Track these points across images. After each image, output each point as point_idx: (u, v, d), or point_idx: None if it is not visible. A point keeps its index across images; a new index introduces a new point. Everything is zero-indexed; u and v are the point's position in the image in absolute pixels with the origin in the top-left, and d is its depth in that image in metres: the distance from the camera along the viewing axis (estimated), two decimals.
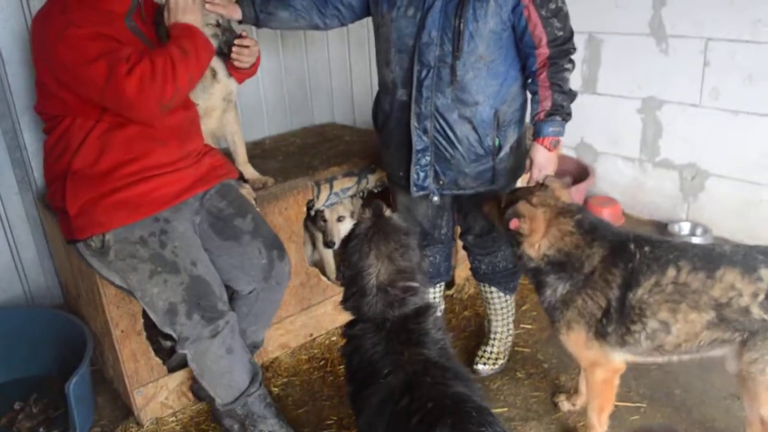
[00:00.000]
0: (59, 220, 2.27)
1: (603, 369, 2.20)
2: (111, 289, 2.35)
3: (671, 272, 1.99)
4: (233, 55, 2.45)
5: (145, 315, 2.39)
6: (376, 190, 3.17)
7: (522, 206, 2.16)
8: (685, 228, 4.07)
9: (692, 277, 1.97)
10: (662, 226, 4.14)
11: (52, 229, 2.76)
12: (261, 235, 2.40)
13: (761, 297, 1.90)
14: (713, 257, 1.98)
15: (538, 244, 2.16)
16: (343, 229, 3.11)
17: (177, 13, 2.19)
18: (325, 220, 3.15)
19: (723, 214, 3.97)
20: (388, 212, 1.93)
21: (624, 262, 2.06)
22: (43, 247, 3.05)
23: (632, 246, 2.07)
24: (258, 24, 2.59)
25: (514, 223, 2.15)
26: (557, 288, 2.18)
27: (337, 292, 2.96)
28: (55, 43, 2.00)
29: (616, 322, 2.07)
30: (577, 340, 2.19)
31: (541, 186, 2.26)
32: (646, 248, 2.05)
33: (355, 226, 1.92)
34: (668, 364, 2.29)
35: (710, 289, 1.94)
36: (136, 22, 2.23)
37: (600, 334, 2.12)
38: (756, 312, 1.91)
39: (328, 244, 3.17)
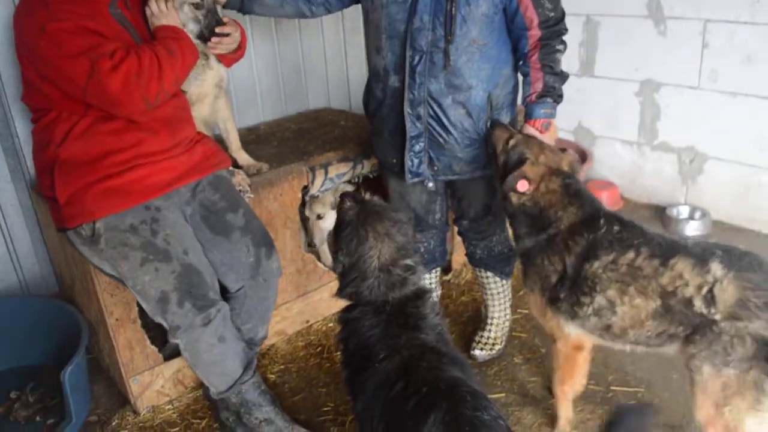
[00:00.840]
0: (50, 208, 2.25)
1: (563, 342, 2.23)
2: (104, 277, 2.33)
3: (630, 254, 1.98)
4: (211, 43, 2.42)
5: (139, 303, 2.38)
6: (371, 175, 3.15)
7: (529, 170, 2.18)
8: (683, 211, 4.06)
9: (647, 263, 1.95)
10: (661, 210, 4.12)
11: (46, 218, 2.74)
12: (251, 231, 2.38)
13: (705, 290, 1.85)
14: (674, 247, 1.96)
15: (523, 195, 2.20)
16: (326, 225, 3.11)
17: (157, 19, 2.23)
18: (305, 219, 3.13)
19: (722, 198, 3.95)
20: (368, 196, 1.94)
21: (589, 232, 2.07)
22: (37, 236, 3.03)
23: (602, 221, 2.08)
24: (243, 9, 2.55)
25: (522, 186, 2.17)
26: (524, 240, 2.23)
27: (334, 278, 2.95)
28: (36, 38, 1.97)
29: (568, 289, 2.09)
30: (535, 303, 2.25)
31: (545, 148, 2.26)
32: (615, 227, 2.06)
33: (342, 215, 1.91)
34: None
35: (660, 276, 1.92)
36: (121, 8, 2.19)
37: (552, 300, 2.15)
38: (698, 305, 1.86)
39: (310, 244, 3.16)
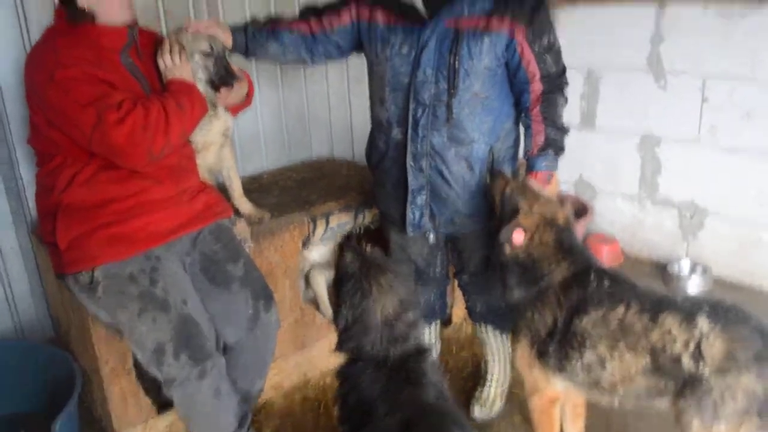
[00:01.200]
0: (50, 253, 2.24)
1: (539, 395, 2.22)
2: (101, 325, 2.30)
3: (620, 310, 1.99)
4: (221, 95, 2.45)
5: (134, 353, 2.34)
6: (372, 226, 3.14)
7: (524, 219, 2.19)
8: (684, 267, 4.03)
9: (637, 319, 1.95)
10: (662, 266, 4.10)
11: (45, 262, 2.73)
12: (250, 283, 2.36)
13: (692, 346, 1.84)
14: (663, 303, 1.96)
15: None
16: (311, 257, 3.07)
17: (170, 72, 2.26)
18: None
19: (723, 254, 3.93)
20: (368, 249, 1.93)
21: (580, 288, 2.08)
22: (36, 280, 3.01)
23: (593, 276, 2.09)
24: (247, 53, 2.58)
25: (518, 237, 2.18)
26: (514, 292, 2.22)
27: (333, 331, 2.92)
28: (45, 85, 1.99)
29: (557, 344, 2.09)
30: (522, 355, 2.23)
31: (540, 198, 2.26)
32: (606, 282, 2.07)
33: (344, 268, 1.90)
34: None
35: (650, 332, 1.92)
36: (132, 58, 2.22)
37: (541, 353, 2.14)
38: (686, 361, 1.85)
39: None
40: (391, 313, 1.82)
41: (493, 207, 2.37)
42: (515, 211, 2.21)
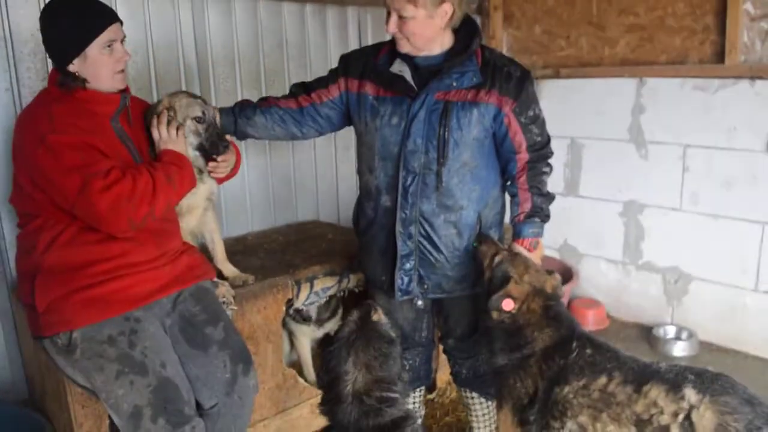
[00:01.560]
0: (28, 315, 2.21)
1: None
2: (77, 387, 2.25)
3: (602, 380, 1.97)
4: (210, 167, 2.49)
5: (110, 416, 2.29)
6: (357, 290, 3.14)
7: (514, 289, 2.20)
8: (670, 332, 4.04)
9: (620, 389, 1.93)
10: (647, 329, 4.10)
11: (23, 323, 2.69)
12: (229, 346, 2.32)
13: (681, 417, 1.81)
14: (647, 373, 1.94)
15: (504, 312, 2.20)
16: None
17: (164, 143, 2.30)
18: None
19: (708, 318, 3.95)
20: (376, 316, 1.91)
21: (561, 356, 2.07)
22: (13, 340, 2.95)
23: (575, 344, 2.08)
24: (236, 131, 2.60)
25: (507, 306, 2.17)
26: (498, 357, 2.21)
27: (315, 395, 2.87)
28: (35, 147, 2.00)
29: (539, 412, 2.06)
30: (505, 422, 2.21)
31: (530, 267, 2.28)
32: (588, 350, 2.06)
33: (340, 327, 1.89)
34: None
35: (634, 403, 1.89)
36: (122, 123, 2.24)
37: (523, 421, 2.11)
38: None
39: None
40: (362, 389, 1.79)
41: (480, 271, 2.38)
42: (506, 280, 2.22)
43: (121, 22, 2.19)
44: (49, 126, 2.01)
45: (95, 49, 2.10)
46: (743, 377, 1.92)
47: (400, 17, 2.23)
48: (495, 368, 2.25)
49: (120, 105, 2.23)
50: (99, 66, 2.13)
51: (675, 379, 1.88)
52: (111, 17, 2.14)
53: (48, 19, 2.11)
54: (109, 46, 2.13)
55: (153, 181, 2.09)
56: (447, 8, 2.24)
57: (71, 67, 2.11)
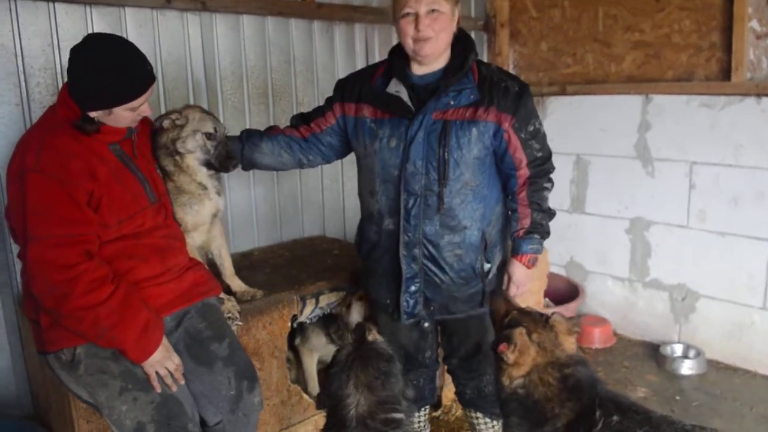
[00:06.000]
0: (32, 330, 2.21)
1: None
2: (81, 402, 2.25)
3: None
4: None
5: None
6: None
7: (518, 335, 2.02)
8: (677, 350, 4.02)
9: None
10: (654, 347, 4.08)
11: (29, 337, 2.69)
12: (234, 363, 2.32)
13: None
14: None
15: (513, 378, 2.02)
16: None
17: (159, 364, 2.11)
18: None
19: (716, 336, 3.93)
20: (371, 336, 1.90)
21: (585, 430, 1.86)
22: (18, 354, 2.95)
23: (598, 413, 1.86)
24: (243, 159, 2.59)
25: (502, 347, 2.02)
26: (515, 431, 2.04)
27: (319, 411, 2.85)
28: (13, 179, 1.98)
29: None
30: None
31: (547, 322, 2.10)
32: (615, 417, 1.85)
33: (338, 351, 1.88)
34: None
35: None
36: (123, 147, 2.19)
37: None
38: None
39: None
40: (365, 412, 1.77)
41: (494, 325, 2.31)
42: (512, 329, 2.05)
43: (155, 79, 2.13)
44: (34, 161, 1.94)
45: (123, 107, 2.05)
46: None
47: (432, 12, 2.21)
48: None
49: (125, 136, 2.19)
50: (120, 120, 2.10)
51: None
52: (149, 81, 2.08)
53: (86, 68, 2.00)
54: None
55: (104, 292, 1.97)
56: (458, 12, 2.29)
57: (92, 113, 2.04)
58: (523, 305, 2.26)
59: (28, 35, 2.73)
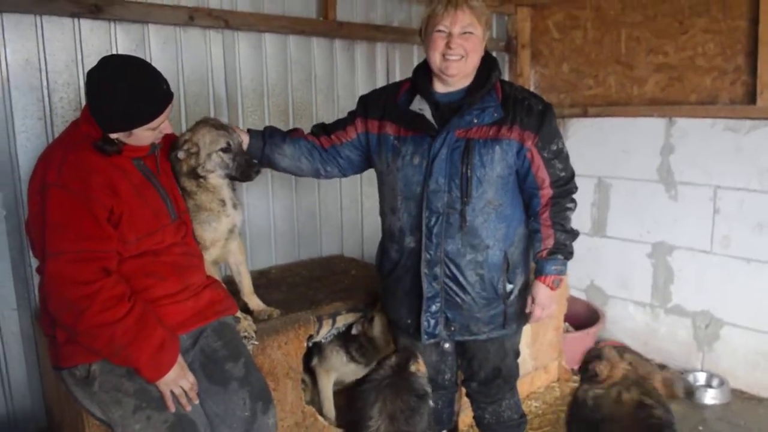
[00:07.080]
0: (48, 345, 2.20)
1: None
2: (95, 420, 2.23)
3: None
4: None
5: None
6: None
7: (607, 351, 2.11)
8: (700, 378, 3.93)
9: None
10: None
11: (46, 351, 2.69)
12: (249, 383, 2.29)
13: None
14: None
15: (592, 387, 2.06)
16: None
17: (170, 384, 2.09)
18: None
19: (740, 365, 3.84)
20: (415, 367, 1.86)
21: None
22: (34, 367, 2.96)
23: None
24: (263, 155, 2.55)
25: (594, 364, 2.08)
26: None
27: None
28: (35, 192, 1.98)
29: None
30: None
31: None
32: None
33: (375, 368, 1.84)
34: None
35: None
36: (146, 162, 2.19)
37: None
38: None
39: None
40: None
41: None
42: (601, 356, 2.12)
43: (172, 97, 2.12)
44: (56, 175, 1.94)
45: (143, 128, 2.05)
46: None
47: (464, 34, 2.23)
48: None
49: (149, 152, 2.20)
50: (142, 140, 2.10)
51: None
52: (167, 101, 2.07)
53: (103, 91, 1.99)
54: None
55: (121, 310, 1.95)
56: (488, 35, 2.30)
57: (112, 134, 2.04)
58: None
59: (53, 51, 2.77)
